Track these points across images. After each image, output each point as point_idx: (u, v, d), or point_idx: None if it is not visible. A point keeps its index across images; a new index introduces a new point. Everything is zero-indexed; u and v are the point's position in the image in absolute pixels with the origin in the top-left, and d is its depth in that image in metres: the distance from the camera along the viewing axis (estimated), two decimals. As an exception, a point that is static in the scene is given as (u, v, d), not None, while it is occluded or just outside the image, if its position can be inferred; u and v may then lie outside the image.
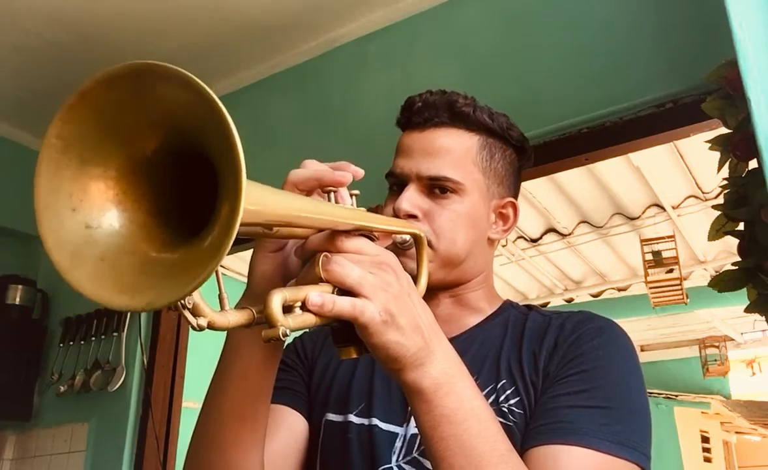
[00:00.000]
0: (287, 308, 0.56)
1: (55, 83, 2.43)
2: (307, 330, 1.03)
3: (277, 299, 0.54)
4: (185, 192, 0.52)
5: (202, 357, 2.53)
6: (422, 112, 0.89)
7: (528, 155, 0.97)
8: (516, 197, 0.95)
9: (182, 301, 0.47)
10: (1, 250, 2.87)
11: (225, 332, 0.72)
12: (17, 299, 2.66)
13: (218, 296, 0.52)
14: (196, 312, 0.48)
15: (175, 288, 0.44)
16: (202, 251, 0.45)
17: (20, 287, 2.67)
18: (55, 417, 2.59)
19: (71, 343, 2.60)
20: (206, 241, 0.45)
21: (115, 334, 2.48)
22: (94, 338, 2.53)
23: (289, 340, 0.76)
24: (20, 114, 2.71)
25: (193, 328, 0.49)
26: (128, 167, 0.50)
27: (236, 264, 4.01)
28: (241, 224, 0.51)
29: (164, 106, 0.46)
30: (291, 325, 0.55)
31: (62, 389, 2.50)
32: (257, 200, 0.51)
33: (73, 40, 2.25)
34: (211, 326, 0.50)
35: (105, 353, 2.49)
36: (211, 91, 0.43)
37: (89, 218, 0.48)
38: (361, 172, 0.69)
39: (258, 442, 0.75)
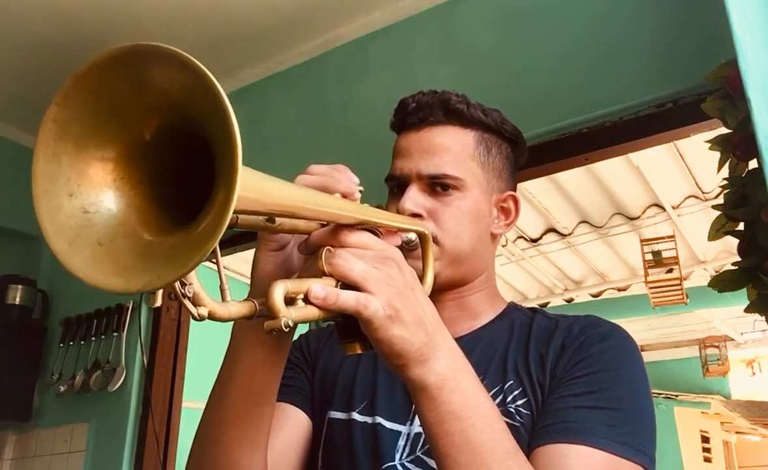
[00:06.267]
0: (290, 301, 0.55)
1: (53, 81, 2.42)
2: (313, 328, 1.02)
3: (279, 290, 0.54)
4: (183, 176, 0.51)
5: (202, 357, 2.53)
6: (416, 113, 0.89)
7: (522, 148, 0.97)
8: (515, 190, 0.96)
9: (182, 290, 0.46)
10: (1, 250, 2.86)
11: (227, 331, 0.72)
12: (17, 299, 2.65)
13: (219, 287, 0.51)
14: (196, 302, 0.48)
15: (171, 270, 0.44)
16: (198, 234, 0.44)
17: (20, 287, 2.67)
18: (55, 417, 2.59)
19: (71, 343, 2.60)
20: (202, 224, 0.44)
21: (115, 334, 2.48)
22: (94, 339, 2.53)
23: (294, 336, 0.76)
24: (18, 112, 2.70)
25: (194, 317, 0.48)
26: (126, 151, 0.49)
27: (238, 265, 4.01)
28: (242, 212, 0.50)
29: (161, 88, 0.45)
30: (293, 316, 0.54)
31: (62, 389, 2.50)
32: (256, 188, 0.50)
33: (70, 37, 2.25)
34: (212, 317, 0.49)
35: (105, 353, 2.49)
36: (209, 73, 0.42)
37: (87, 203, 0.47)
38: (356, 179, 0.70)
39: (262, 442, 0.75)
